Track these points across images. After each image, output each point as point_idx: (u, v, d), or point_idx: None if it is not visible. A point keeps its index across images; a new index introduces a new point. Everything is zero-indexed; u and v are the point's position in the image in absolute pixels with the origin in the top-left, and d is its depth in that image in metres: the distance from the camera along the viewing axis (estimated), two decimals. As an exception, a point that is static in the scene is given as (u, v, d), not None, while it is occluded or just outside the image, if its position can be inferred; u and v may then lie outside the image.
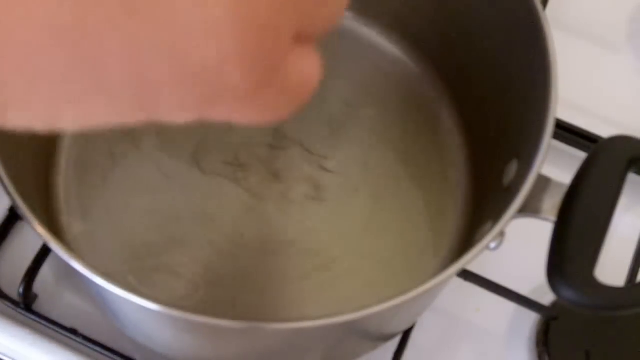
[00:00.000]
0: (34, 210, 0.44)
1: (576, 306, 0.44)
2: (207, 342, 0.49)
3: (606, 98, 0.69)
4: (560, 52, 0.49)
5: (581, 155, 0.56)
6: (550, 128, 0.47)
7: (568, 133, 0.64)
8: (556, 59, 0.49)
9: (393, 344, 0.55)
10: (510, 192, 0.48)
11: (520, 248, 0.54)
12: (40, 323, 0.55)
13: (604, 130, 0.60)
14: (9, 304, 0.55)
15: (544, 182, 0.46)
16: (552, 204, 0.46)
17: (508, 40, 0.54)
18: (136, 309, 0.43)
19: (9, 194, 0.44)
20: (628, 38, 0.72)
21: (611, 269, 0.49)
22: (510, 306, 0.58)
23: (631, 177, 0.47)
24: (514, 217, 0.45)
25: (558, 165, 0.53)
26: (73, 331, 0.55)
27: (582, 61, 0.70)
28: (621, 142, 0.47)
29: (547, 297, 0.57)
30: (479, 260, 0.44)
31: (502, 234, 0.45)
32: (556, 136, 0.53)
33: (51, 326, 0.55)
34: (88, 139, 0.58)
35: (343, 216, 0.58)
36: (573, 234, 0.45)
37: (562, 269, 0.44)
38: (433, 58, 0.63)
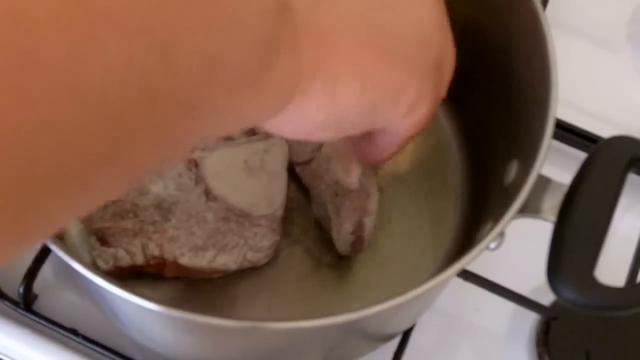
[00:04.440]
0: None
1: (576, 306, 0.43)
2: (207, 342, 0.49)
3: (606, 98, 0.69)
4: (560, 52, 0.49)
5: (581, 155, 0.56)
6: (550, 128, 0.47)
7: (568, 133, 0.64)
8: (556, 59, 0.49)
9: (393, 344, 0.55)
10: (510, 193, 0.48)
11: (520, 248, 0.54)
12: (40, 323, 0.55)
13: (604, 130, 0.60)
14: (9, 304, 0.55)
15: (544, 182, 0.46)
16: (552, 204, 0.46)
17: (508, 40, 0.54)
18: (136, 309, 0.43)
19: (9, 194, 0.44)
20: (628, 38, 0.72)
21: (611, 269, 0.49)
22: (510, 306, 0.58)
23: (631, 177, 0.47)
24: (514, 217, 0.45)
25: (558, 165, 0.53)
26: (73, 331, 0.55)
27: (582, 61, 0.70)
28: (621, 142, 0.47)
29: (547, 297, 0.57)
30: (479, 260, 0.44)
31: (502, 234, 0.45)
32: (556, 136, 0.53)
33: (51, 326, 0.55)
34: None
35: (343, 216, 0.58)
36: (573, 234, 0.44)
37: (562, 269, 0.44)
38: (433, 58, 0.63)
